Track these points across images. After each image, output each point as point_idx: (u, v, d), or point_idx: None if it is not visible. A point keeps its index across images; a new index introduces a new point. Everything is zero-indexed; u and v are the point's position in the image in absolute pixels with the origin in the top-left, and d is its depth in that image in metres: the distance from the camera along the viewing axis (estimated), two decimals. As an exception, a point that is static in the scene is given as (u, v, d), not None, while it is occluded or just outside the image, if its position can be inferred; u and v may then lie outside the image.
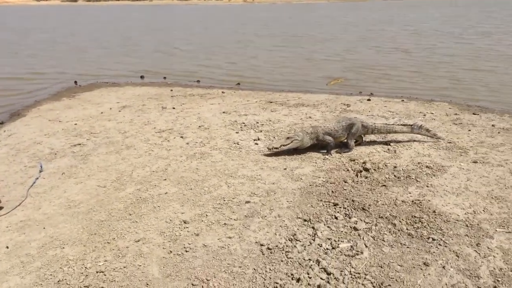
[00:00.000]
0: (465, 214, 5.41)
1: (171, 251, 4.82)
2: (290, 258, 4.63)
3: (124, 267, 4.54)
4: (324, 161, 7.37)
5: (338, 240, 4.93)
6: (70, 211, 5.87)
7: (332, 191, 6.17)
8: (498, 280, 4.17)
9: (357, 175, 6.76)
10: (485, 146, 7.82)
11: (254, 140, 8.45)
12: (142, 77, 17.21)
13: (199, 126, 9.61)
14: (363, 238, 4.94)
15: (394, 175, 6.65)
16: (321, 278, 4.24)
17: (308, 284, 4.18)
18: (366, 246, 4.79)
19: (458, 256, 4.55)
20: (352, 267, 4.40)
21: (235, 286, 4.22)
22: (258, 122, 9.73)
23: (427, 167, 6.89)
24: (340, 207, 5.68)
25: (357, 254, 4.63)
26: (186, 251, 4.80)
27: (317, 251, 4.74)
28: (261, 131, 9.07)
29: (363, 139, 8.17)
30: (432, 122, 9.50)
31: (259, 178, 6.74)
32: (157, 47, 25.71)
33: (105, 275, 4.42)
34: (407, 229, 5.11)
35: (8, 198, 6.34)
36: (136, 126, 9.83)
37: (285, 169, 7.08)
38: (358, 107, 11.15)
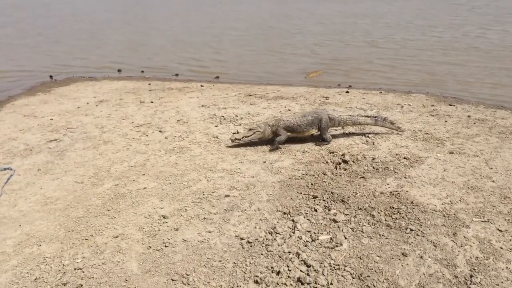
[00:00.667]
0: (442, 204, 5.51)
1: (150, 247, 4.77)
2: (270, 251, 4.64)
3: (103, 264, 4.48)
4: (303, 154, 7.40)
5: (318, 233, 4.96)
6: (47, 207, 5.76)
7: (312, 184, 6.20)
8: (474, 269, 4.26)
9: (336, 167, 6.81)
10: (461, 137, 7.97)
11: (234, 133, 8.43)
12: (119, 70, 16.94)
13: (178, 120, 9.52)
14: (342, 230, 4.99)
15: (373, 167, 6.72)
16: (300, 271, 4.27)
17: (288, 276, 4.20)
18: (346, 238, 4.83)
19: (435, 246, 4.63)
20: (332, 259, 4.44)
21: (215, 280, 4.21)
22: (237, 116, 9.69)
23: (405, 158, 6.98)
24: (320, 200, 5.72)
25: (337, 246, 4.67)
26: (166, 246, 4.77)
27: (297, 243, 4.76)
28: (240, 125, 9.05)
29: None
30: (409, 113, 9.63)
31: (239, 171, 6.73)
32: (135, 40, 25.32)
33: (83, 272, 4.36)
34: (385, 220, 5.18)
35: (-19, 195, 6.18)
36: (114, 120, 9.68)
37: (264, 162, 7.08)
38: (337, 99, 11.22)
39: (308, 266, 4.32)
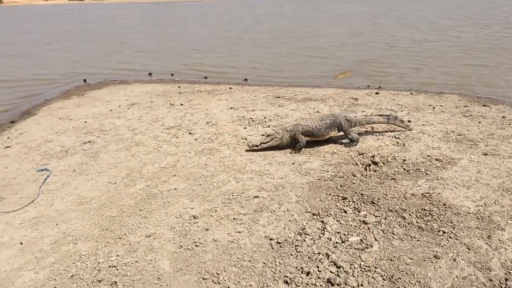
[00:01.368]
0: (476, 206, 5.38)
1: (181, 246, 4.86)
2: (299, 252, 4.65)
3: (136, 262, 4.60)
4: (332, 155, 7.37)
5: (348, 234, 4.94)
6: (82, 207, 5.94)
7: (341, 185, 6.17)
8: (509, 272, 4.15)
9: (366, 169, 6.75)
10: (496, 138, 7.76)
11: (262, 135, 8.47)
12: (150, 74, 17.28)
13: (207, 122, 9.64)
14: (372, 232, 4.95)
15: (404, 169, 6.63)
16: (330, 272, 4.25)
17: (318, 277, 4.19)
18: (376, 240, 4.79)
19: (469, 249, 4.53)
20: (362, 261, 4.41)
21: (245, 280, 4.25)
22: (265, 117, 9.74)
23: (436, 159, 6.86)
24: (349, 201, 5.69)
25: (367, 248, 4.64)
26: (196, 246, 4.84)
27: (327, 244, 4.75)
28: (269, 126, 9.08)
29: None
30: (441, 114, 9.44)
31: (268, 173, 6.76)
32: (164, 44, 25.77)
33: (117, 269, 4.48)
34: (417, 222, 5.10)
35: (20, 195, 6.43)
36: (145, 123, 9.89)
37: (293, 163, 7.09)
38: (366, 100, 11.11)
39: (338, 267, 4.30)
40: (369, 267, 4.30)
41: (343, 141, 7.88)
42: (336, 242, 4.78)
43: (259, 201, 5.82)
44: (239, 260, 4.57)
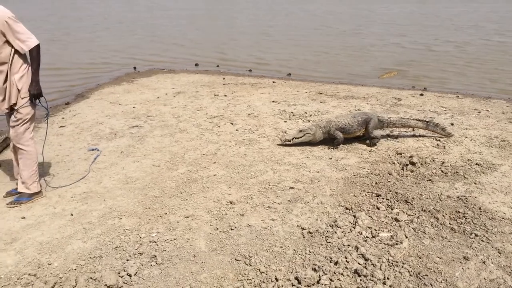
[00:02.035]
0: (512, 212, 5.34)
1: (217, 228, 5.13)
2: (329, 242, 4.80)
3: (174, 239, 4.91)
4: (370, 153, 7.44)
5: (379, 230, 5.04)
6: (127, 186, 6.34)
7: (376, 183, 6.26)
8: (539, 279, 4.14)
9: (402, 169, 6.79)
10: (542, 146, 7.56)
11: (300, 131, 8.63)
12: (196, 64, 17.74)
13: (249, 114, 9.89)
14: (403, 229, 5.03)
15: (442, 171, 6.62)
16: (358, 263, 4.39)
17: (346, 267, 4.34)
18: (406, 237, 4.87)
19: (500, 253, 4.54)
20: (391, 255, 4.51)
21: (276, 264, 4.46)
22: (306, 112, 9.88)
23: (476, 164, 6.79)
24: (383, 198, 5.77)
25: (396, 244, 4.73)
26: (231, 229, 5.10)
27: (357, 238, 4.88)
28: (309, 121, 9.22)
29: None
30: (486, 119, 9.24)
31: (304, 166, 6.93)
32: (212, 36, 26.26)
33: (157, 245, 4.80)
34: (450, 223, 5.13)
35: (72, 172, 6.93)
36: (189, 111, 10.27)
37: (330, 158, 7.22)
38: (410, 101, 11.01)
39: (366, 259, 4.43)
40: (397, 262, 4.41)
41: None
42: (366, 237, 4.90)
43: (294, 192, 6.01)
44: (271, 245, 4.78)
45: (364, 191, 6.02)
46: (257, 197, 5.88)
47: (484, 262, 4.39)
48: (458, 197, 5.75)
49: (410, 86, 13.53)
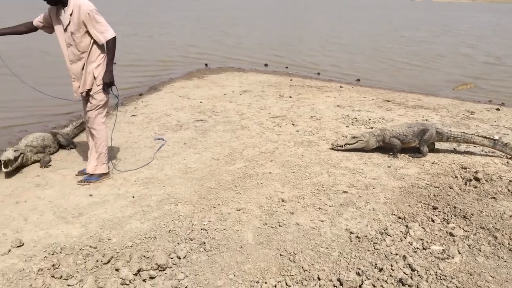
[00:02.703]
0: None
1: (266, 223, 5.25)
2: (377, 249, 4.74)
3: (224, 229, 5.10)
4: (432, 165, 7.19)
5: (431, 242, 4.89)
6: (186, 175, 6.66)
7: (434, 195, 6.05)
8: None
9: (465, 184, 6.49)
10: None
11: (354, 137, 8.51)
12: (266, 65, 18.01)
13: (311, 116, 9.92)
14: (457, 245, 4.83)
15: (508, 189, 6.25)
16: (404, 273, 4.30)
17: (390, 275, 4.27)
18: (459, 253, 4.68)
19: (561, 281, 4.24)
20: (439, 269, 4.37)
21: (319, 264, 4.49)
22: (370, 119, 9.72)
23: (548, 186, 6.33)
24: (439, 211, 5.58)
25: (448, 258, 4.56)
26: (280, 226, 5.19)
27: (406, 248, 4.77)
28: (372, 128, 9.07)
29: (435, 146, 7.84)
30: None
31: (361, 171, 6.86)
32: (284, 37, 26.45)
33: (207, 232, 5.02)
34: (509, 244, 4.85)
35: (138, 158, 7.38)
36: (253, 109, 10.49)
37: (389, 167, 7.08)
38: (484, 115, 10.44)
39: (413, 270, 4.33)
40: (445, 276, 4.26)
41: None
42: (417, 248, 4.78)
43: (347, 197, 5.98)
44: (316, 245, 4.82)
45: (420, 202, 5.85)
46: (309, 198, 5.93)
47: (541, 288, 4.13)
48: (522, 218, 5.41)
49: (487, 100, 12.81)
